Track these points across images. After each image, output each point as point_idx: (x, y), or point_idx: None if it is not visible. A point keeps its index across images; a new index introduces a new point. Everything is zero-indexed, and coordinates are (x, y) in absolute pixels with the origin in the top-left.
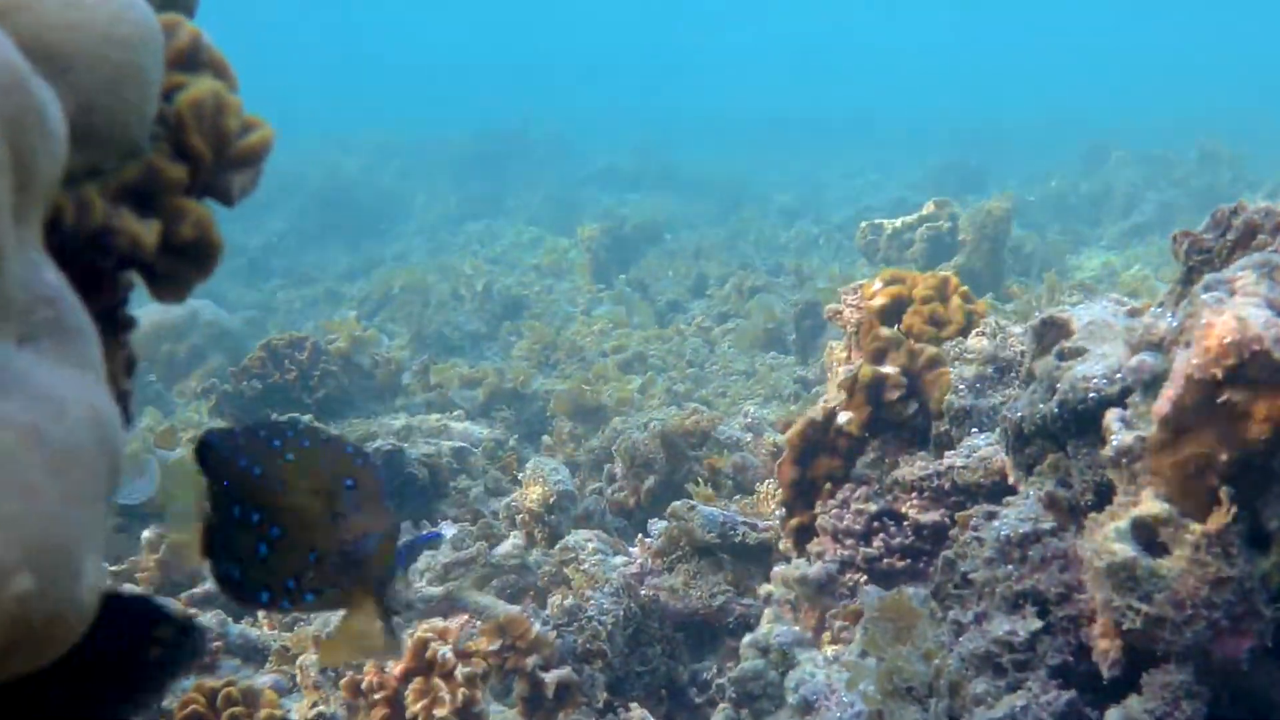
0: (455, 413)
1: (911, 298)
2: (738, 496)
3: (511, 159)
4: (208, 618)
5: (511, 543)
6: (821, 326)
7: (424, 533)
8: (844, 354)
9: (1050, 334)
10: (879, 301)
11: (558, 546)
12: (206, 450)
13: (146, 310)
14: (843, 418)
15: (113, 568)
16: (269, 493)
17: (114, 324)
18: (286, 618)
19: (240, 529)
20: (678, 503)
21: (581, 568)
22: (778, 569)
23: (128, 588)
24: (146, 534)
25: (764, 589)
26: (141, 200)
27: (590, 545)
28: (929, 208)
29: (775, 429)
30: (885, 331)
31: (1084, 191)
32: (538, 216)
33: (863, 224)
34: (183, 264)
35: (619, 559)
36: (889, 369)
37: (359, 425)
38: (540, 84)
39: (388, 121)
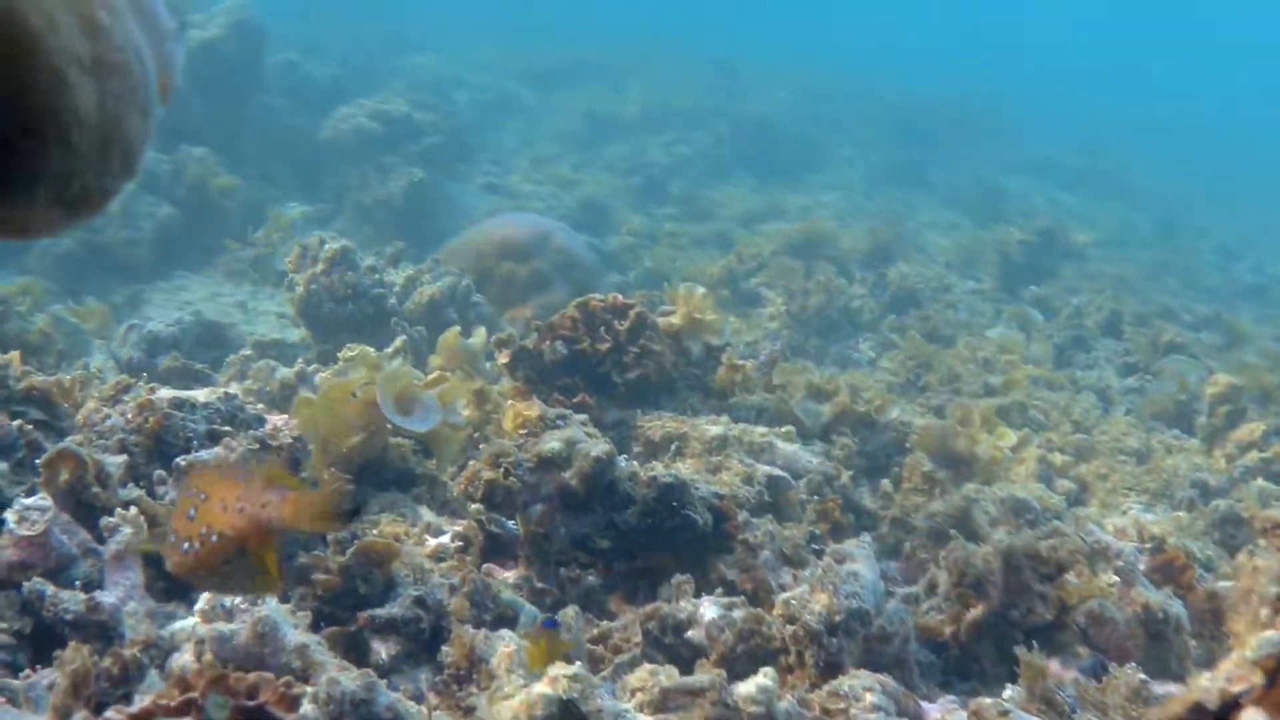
0: (785, 429)
1: None
2: (1080, 678)
3: (944, 130)
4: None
5: (758, 684)
6: (1240, 415)
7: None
8: (1274, 589)
9: None
10: None
11: (824, 690)
12: None
13: (493, 223)
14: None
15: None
16: None
17: None
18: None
19: None
20: (985, 701)
21: None
22: None
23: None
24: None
25: None
26: None
27: (868, 698)
28: None
29: (1148, 579)
30: None
31: None
32: (959, 198)
33: None
34: None
35: None
36: None
37: (669, 422)
38: (995, 56)
39: (830, 66)
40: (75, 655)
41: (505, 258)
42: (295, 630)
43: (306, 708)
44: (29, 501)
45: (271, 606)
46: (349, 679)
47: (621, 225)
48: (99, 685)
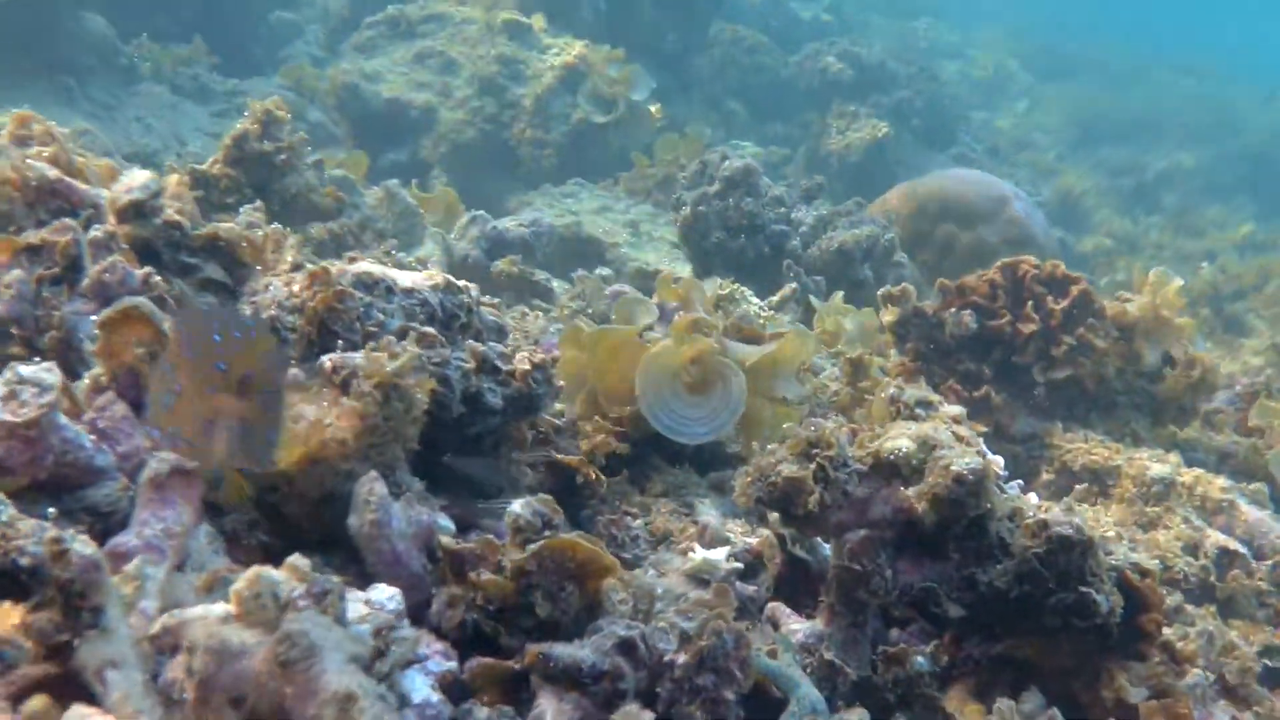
0: (1254, 486)
1: None
2: None
3: None
4: None
5: None
6: None
7: None
8: None
9: None
10: None
11: None
12: None
13: (940, 175)
14: None
15: None
16: None
17: None
18: None
19: None
20: None
21: None
22: None
23: None
24: None
25: None
26: None
27: None
28: None
29: None
30: None
31: None
32: None
33: None
34: None
35: None
36: None
37: (1098, 448)
38: None
39: None
40: None
41: (946, 218)
42: (346, 667)
43: None
44: (26, 370)
45: (312, 619)
46: None
47: (1100, 226)
48: None
